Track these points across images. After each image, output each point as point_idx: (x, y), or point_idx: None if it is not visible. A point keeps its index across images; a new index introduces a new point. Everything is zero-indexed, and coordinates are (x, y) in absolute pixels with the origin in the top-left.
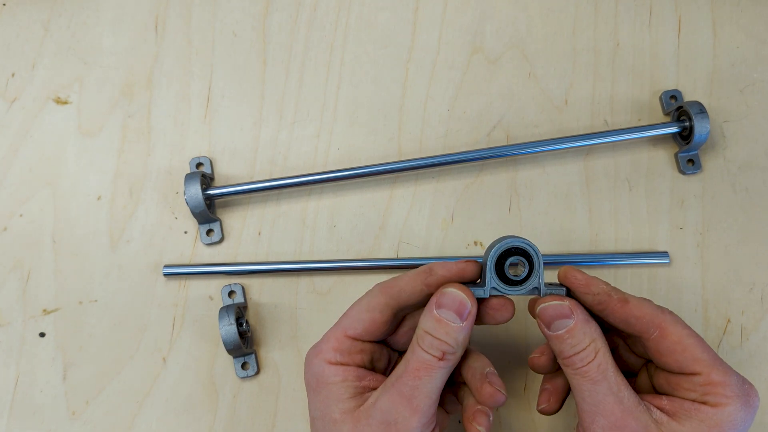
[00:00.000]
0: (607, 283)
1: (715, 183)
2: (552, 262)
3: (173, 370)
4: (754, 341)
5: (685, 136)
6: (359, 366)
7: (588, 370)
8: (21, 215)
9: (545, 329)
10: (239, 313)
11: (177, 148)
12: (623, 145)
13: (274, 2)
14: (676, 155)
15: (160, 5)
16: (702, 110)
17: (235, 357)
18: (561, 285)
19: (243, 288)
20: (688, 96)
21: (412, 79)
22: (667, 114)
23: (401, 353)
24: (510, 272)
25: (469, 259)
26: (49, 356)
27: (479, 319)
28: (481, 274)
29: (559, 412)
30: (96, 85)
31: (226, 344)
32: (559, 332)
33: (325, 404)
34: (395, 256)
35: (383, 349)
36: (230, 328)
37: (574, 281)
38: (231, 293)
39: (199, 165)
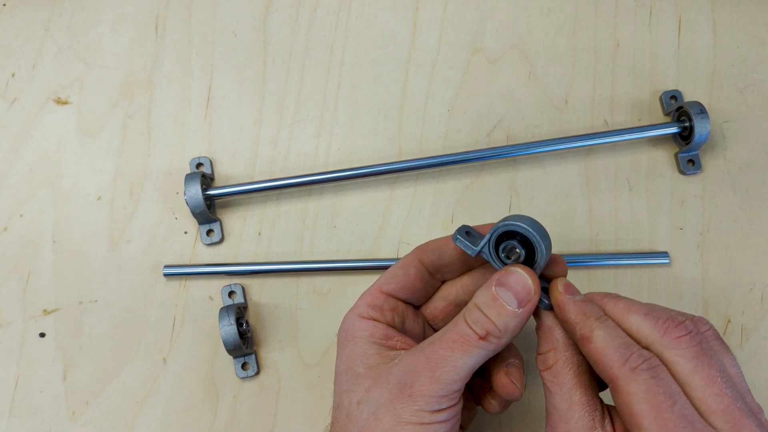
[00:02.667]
0: (582, 312)
1: (715, 183)
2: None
3: (173, 370)
4: (754, 341)
5: (685, 136)
6: (390, 324)
7: (544, 377)
8: (21, 215)
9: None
10: (239, 313)
11: (177, 148)
12: (623, 145)
13: (274, 2)
14: (676, 155)
15: (160, 5)
16: (702, 110)
17: (235, 357)
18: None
19: (243, 288)
20: (688, 96)
21: (413, 79)
22: (667, 114)
23: (435, 330)
24: (504, 253)
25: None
26: (49, 356)
27: (483, 400)
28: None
29: None
30: (96, 86)
31: (226, 344)
32: (537, 327)
33: (351, 358)
34: (395, 257)
35: (418, 317)
36: (230, 329)
37: (552, 299)
38: (231, 293)
39: (199, 165)
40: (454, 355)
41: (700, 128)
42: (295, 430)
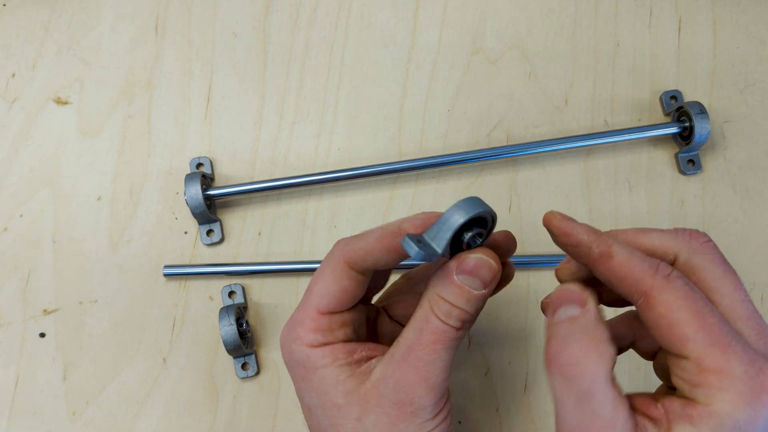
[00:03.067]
0: (594, 232)
1: (715, 183)
2: (552, 262)
3: (173, 370)
4: None
5: (685, 136)
6: (345, 341)
7: (576, 376)
8: (21, 215)
9: (549, 318)
10: (239, 313)
11: (177, 149)
12: (623, 145)
13: (274, 2)
14: (676, 155)
15: (160, 5)
16: (702, 110)
17: (235, 357)
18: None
19: (243, 288)
20: (689, 96)
21: (413, 79)
22: (667, 114)
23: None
24: (466, 242)
25: (432, 212)
26: (49, 356)
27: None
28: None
29: None
30: (96, 86)
31: (226, 344)
32: (560, 320)
33: (323, 391)
34: None
35: (360, 311)
36: (230, 329)
37: (554, 229)
38: (231, 293)
39: (199, 165)
40: (440, 356)
41: (700, 128)
42: (295, 430)
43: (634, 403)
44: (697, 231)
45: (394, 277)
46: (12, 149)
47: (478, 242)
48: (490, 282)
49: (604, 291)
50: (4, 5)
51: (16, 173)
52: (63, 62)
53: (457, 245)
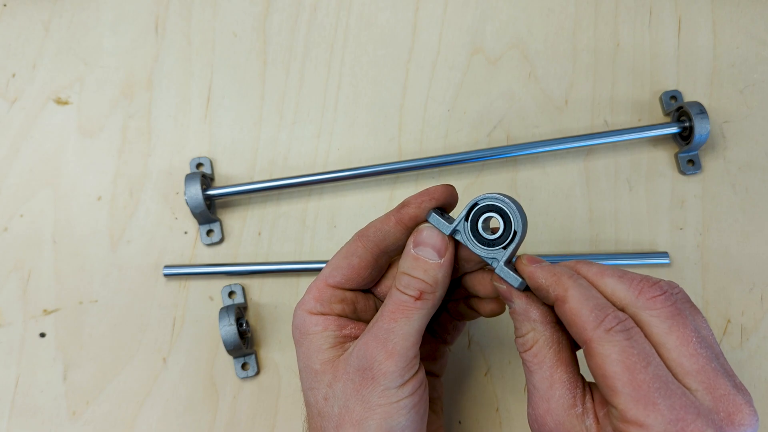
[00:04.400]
0: (554, 275)
1: (715, 183)
2: (552, 262)
3: (173, 370)
4: (754, 341)
5: (685, 136)
6: (340, 315)
7: (525, 357)
8: (21, 215)
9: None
10: (239, 313)
11: (177, 148)
12: (623, 145)
13: (274, 2)
14: (676, 155)
15: (160, 6)
16: (702, 111)
17: (235, 357)
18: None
19: (243, 288)
20: (688, 96)
21: (413, 79)
22: (667, 114)
23: None
24: (482, 230)
25: (446, 185)
26: (49, 356)
27: (474, 307)
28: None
29: None
30: (96, 86)
31: (226, 344)
32: (510, 311)
33: (307, 355)
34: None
35: (369, 299)
36: (230, 329)
37: (520, 272)
38: (231, 293)
39: (199, 165)
40: (399, 325)
41: (700, 128)
42: (295, 430)
43: (594, 391)
44: (650, 283)
45: None
46: (12, 149)
47: (488, 234)
48: (441, 249)
49: None
50: (5, 6)
51: (17, 173)
52: (63, 62)
53: (479, 236)
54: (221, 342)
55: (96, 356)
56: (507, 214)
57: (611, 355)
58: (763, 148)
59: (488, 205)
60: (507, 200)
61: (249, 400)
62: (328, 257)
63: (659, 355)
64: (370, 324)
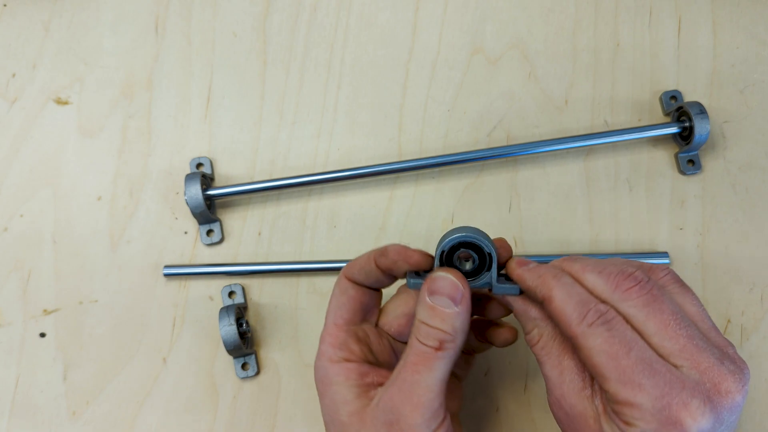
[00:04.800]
0: (540, 276)
1: (715, 183)
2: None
3: (173, 370)
4: (754, 341)
5: (685, 136)
6: (362, 361)
7: (535, 352)
8: (21, 215)
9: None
10: (239, 313)
11: (177, 148)
12: (623, 145)
13: (274, 2)
14: (676, 155)
15: (160, 5)
16: (702, 111)
17: (235, 357)
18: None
19: (243, 288)
20: (688, 96)
21: (413, 79)
22: (667, 114)
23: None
24: (460, 266)
25: (423, 252)
26: (49, 356)
27: (488, 338)
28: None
29: None
30: (96, 86)
31: (226, 345)
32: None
33: (333, 407)
34: None
35: (382, 337)
36: (230, 329)
37: (510, 274)
38: (231, 293)
39: (199, 165)
40: (422, 377)
41: (700, 128)
42: (295, 430)
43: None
44: (625, 275)
45: None
46: (12, 149)
47: (467, 267)
48: (457, 299)
49: None
50: (5, 5)
51: (17, 173)
52: (63, 62)
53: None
54: (221, 342)
55: (96, 356)
56: (472, 243)
57: (595, 347)
58: (763, 148)
59: (452, 246)
60: (464, 233)
61: (249, 400)
62: (328, 257)
63: (645, 340)
64: (394, 374)
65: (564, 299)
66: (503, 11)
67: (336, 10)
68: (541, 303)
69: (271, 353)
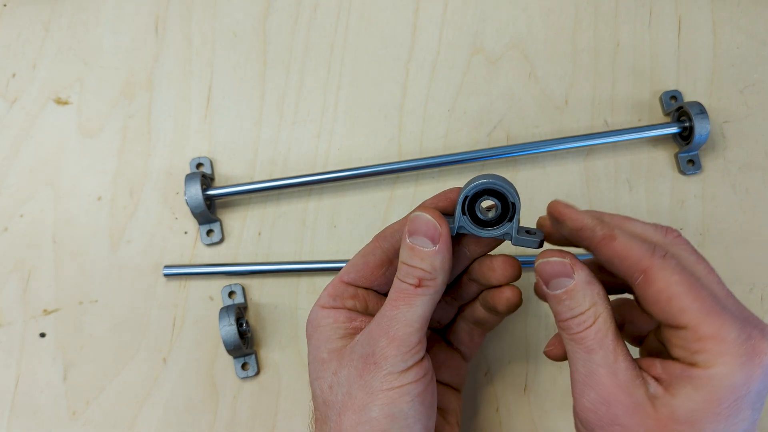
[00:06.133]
0: (597, 217)
1: (715, 183)
2: None
3: (173, 370)
4: None
5: (685, 136)
6: (351, 309)
7: (584, 337)
8: (21, 215)
9: (543, 287)
10: (239, 313)
11: (177, 149)
12: (623, 145)
13: (274, 2)
14: (676, 155)
15: (160, 5)
16: (702, 111)
17: (235, 357)
18: (537, 230)
19: (243, 288)
20: (688, 96)
21: (413, 79)
22: (667, 114)
23: None
24: (482, 214)
25: (453, 188)
26: (49, 356)
27: (492, 307)
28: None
29: (561, 412)
30: (96, 86)
31: (226, 345)
32: (557, 292)
33: (316, 346)
34: None
35: (381, 300)
36: (230, 329)
37: (558, 215)
38: (231, 294)
39: (199, 165)
40: (400, 312)
41: (700, 128)
42: (295, 430)
43: (638, 362)
44: (669, 227)
45: None
46: (12, 149)
47: (490, 215)
48: (435, 237)
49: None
50: (5, 6)
51: (17, 173)
52: (63, 62)
53: (477, 219)
54: (221, 342)
55: (96, 356)
56: (497, 191)
57: (673, 277)
58: (763, 148)
59: (477, 192)
60: (492, 180)
61: (249, 400)
62: (328, 257)
63: None
64: (376, 315)
65: (628, 236)
66: (503, 11)
67: (336, 10)
68: (592, 245)
69: (271, 353)
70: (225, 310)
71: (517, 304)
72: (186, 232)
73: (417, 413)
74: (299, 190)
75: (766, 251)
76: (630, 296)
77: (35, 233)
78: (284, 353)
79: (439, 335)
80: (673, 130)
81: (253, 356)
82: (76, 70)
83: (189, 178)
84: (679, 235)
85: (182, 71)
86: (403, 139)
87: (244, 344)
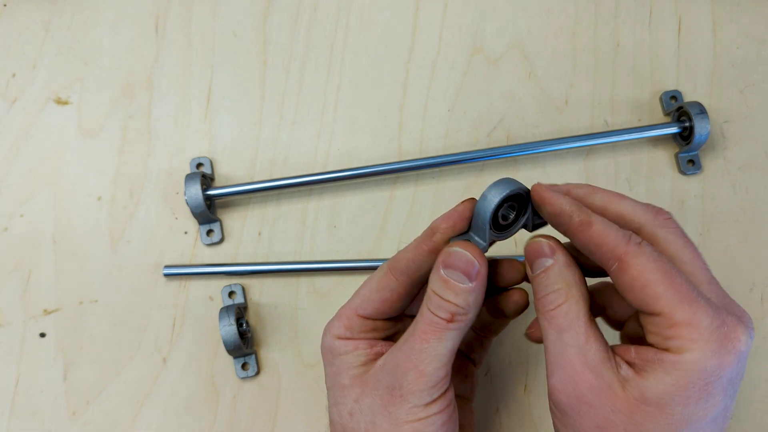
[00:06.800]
0: (575, 203)
1: (715, 183)
2: None
3: (173, 370)
4: (754, 341)
5: (685, 136)
6: (370, 339)
7: (555, 315)
8: (21, 215)
9: (529, 271)
10: (239, 313)
11: (177, 149)
12: (623, 145)
13: (274, 2)
14: (676, 155)
15: (160, 5)
16: (702, 111)
17: (235, 357)
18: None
19: (243, 288)
20: (689, 96)
21: (413, 79)
22: (667, 114)
23: None
24: (501, 219)
25: (465, 200)
26: (49, 356)
27: (500, 311)
28: (471, 221)
29: None
30: (96, 86)
31: (226, 345)
32: (537, 272)
33: (337, 372)
34: None
35: (399, 321)
36: (230, 329)
37: (538, 199)
38: (231, 293)
39: (199, 165)
40: (430, 346)
41: (700, 128)
42: (295, 430)
43: (613, 348)
44: (661, 208)
45: None
46: (12, 149)
47: (511, 216)
48: (472, 275)
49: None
50: (5, 5)
51: (17, 173)
52: (63, 62)
53: (499, 226)
54: (221, 342)
55: (96, 356)
56: (515, 195)
57: (648, 264)
58: (763, 148)
59: (500, 205)
60: (509, 185)
61: (249, 400)
62: (328, 257)
63: (678, 267)
64: (402, 339)
65: (605, 223)
66: (503, 11)
67: (336, 10)
68: (570, 230)
69: (271, 353)
70: (225, 310)
71: (524, 306)
72: (186, 232)
73: None
74: (299, 190)
75: (766, 251)
76: (610, 280)
77: (35, 233)
78: (284, 353)
79: None
80: (673, 130)
81: (253, 356)
82: (76, 70)
83: (189, 178)
84: (669, 217)
85: (182, 71)
86: (403, 139)
87: (244, 344)
